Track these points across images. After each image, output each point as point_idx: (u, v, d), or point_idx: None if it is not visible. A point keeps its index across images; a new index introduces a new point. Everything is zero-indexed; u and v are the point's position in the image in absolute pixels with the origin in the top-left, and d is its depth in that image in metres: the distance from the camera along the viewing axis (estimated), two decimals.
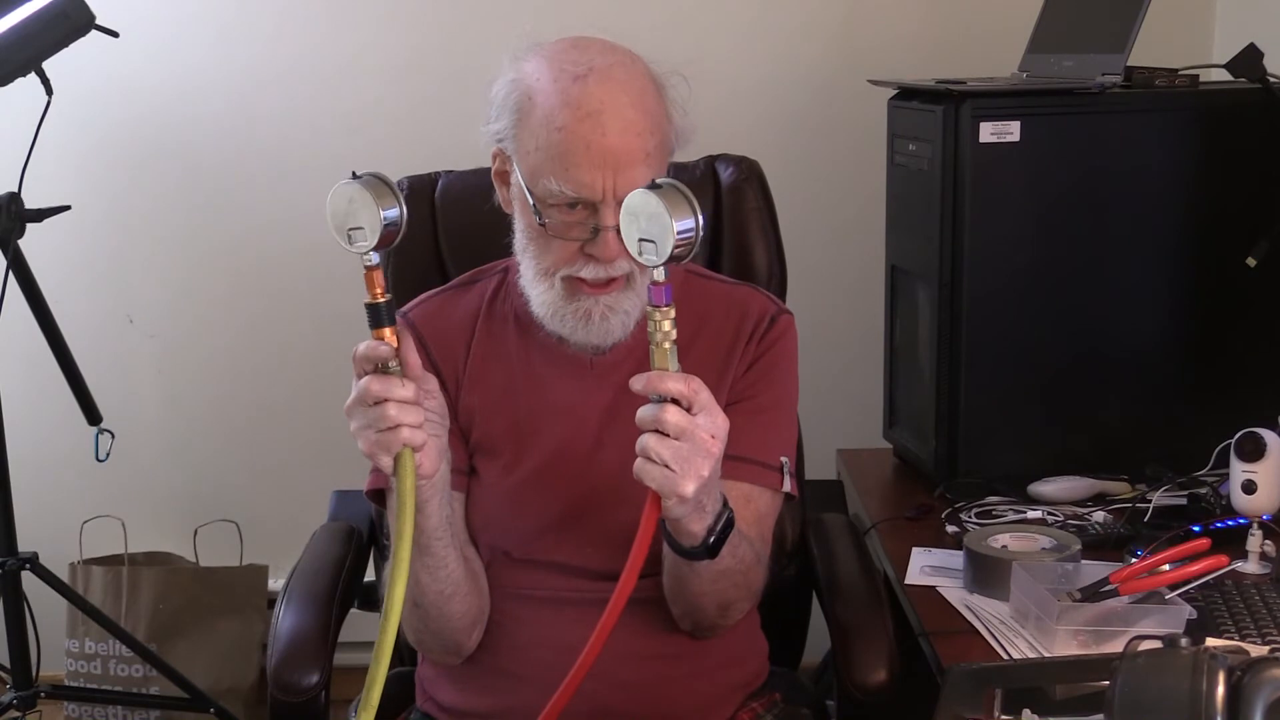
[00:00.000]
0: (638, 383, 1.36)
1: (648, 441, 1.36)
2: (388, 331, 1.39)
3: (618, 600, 1.32)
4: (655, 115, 1.54)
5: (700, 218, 1.29)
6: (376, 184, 1.36)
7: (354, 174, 1.37)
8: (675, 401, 1.35)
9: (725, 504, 1.50)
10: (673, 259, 1.29)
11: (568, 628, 1.59)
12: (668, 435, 1.35)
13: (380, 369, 1.38)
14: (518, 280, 1.66)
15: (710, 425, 1.37)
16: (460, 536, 1.63)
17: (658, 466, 1.36)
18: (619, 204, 1.38)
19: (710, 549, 1.49)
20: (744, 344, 1.70)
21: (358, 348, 1.40)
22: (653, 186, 1.30)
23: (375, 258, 1.37)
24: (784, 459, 1.69)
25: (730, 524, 1.50)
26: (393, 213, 1.35)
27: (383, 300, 1.38)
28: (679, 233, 1.28)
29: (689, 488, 1.37)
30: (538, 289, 1.61)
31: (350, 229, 1.36)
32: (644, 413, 1.37)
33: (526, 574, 1.66)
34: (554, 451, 1.66)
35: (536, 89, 1.54)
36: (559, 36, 1.60)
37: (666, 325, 1.34)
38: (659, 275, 1.32)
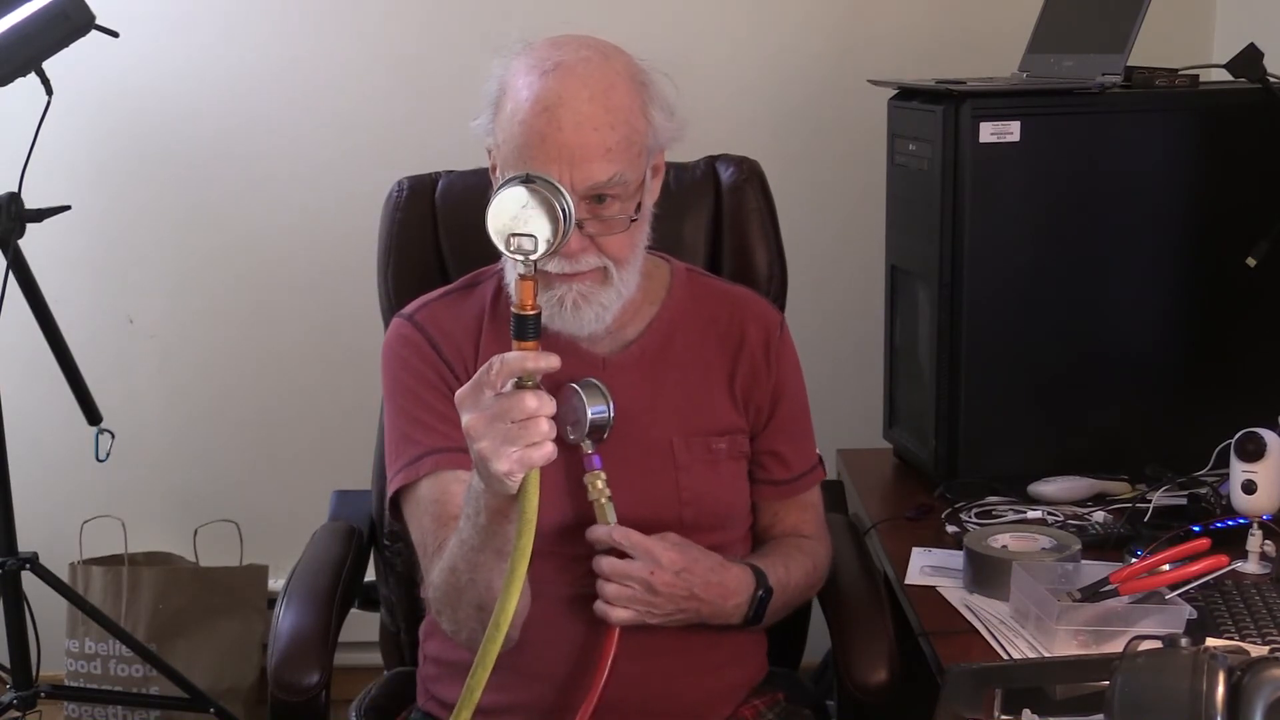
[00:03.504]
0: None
1: (600, 587, 1.58)
2: (532, 345, 1.35)
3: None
4: (622, 111, 1.53)
5: (611, 405, 1.58)
6: (553, 188, 1.34)
7: (528, 176, 1.35)
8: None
9: (759, 583, 1.64)
10: (592, 438, 1.57)
11: (578, 625, 1.61)
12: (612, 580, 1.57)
13: (520, 383, 1.34)
14: None
15: (645, 566, 1.56)
16: None
17: (614, 608, 1.57)
18: (579, 198, 1.46)
19: (751, 622, 1.66)
20: (760, 355, 1.73)
21: (503, 359, 1.33)
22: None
23: (533, 268, 1.34)
24: (818, 452, 1.83)
25: (768, 595, 1.65)
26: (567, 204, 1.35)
27: (534, 312, 1.35)
28: (593, 413, 1.57)
29: (653, 620, 1.58)
30: (514, 279, 1.61)
31: (514, 234, 1.34)
32: (596, 561, 1.59)
33: (537, 570, 1.65)
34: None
35: (508, 84, 1.56)
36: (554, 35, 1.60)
37: (599, 484, 1.58)
38: (587, 448, 1.58)
